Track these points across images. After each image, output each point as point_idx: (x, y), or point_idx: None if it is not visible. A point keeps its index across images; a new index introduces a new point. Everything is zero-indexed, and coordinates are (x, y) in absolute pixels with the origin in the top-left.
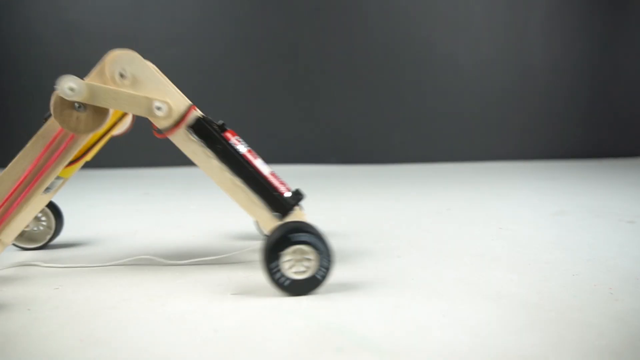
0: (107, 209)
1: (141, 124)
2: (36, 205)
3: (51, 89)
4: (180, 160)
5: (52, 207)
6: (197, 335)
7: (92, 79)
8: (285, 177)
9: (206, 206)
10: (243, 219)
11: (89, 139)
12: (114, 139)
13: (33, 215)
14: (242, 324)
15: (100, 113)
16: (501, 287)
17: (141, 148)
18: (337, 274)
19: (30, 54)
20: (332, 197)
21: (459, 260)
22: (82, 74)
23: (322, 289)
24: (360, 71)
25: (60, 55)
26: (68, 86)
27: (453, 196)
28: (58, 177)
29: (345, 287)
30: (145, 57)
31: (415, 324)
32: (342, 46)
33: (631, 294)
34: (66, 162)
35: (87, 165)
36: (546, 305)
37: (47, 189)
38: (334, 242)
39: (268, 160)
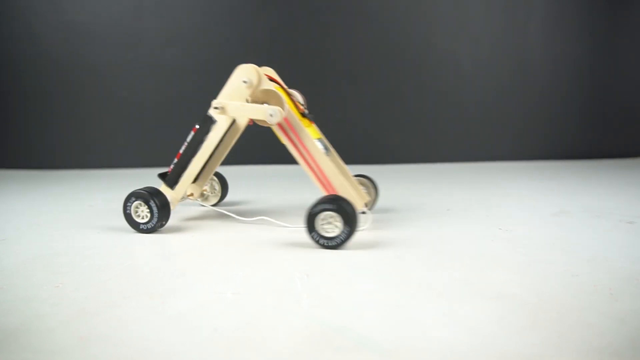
0: (107, 209)
1: (142, 126)
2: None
3: (50, 89)
4: None
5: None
6: (197, 334)
7: None
8: (285, 177)
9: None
10: (244, 216)
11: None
12: (116, 139)
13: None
14: (242, 323)
15: None
16: (501, 287)
17: (141, 148)
18: (337, 274)
19: (30, 54)
20: None
21: (459, 260)
22: (82, 73)
23: (322, 288)
24: (360, 71)
25: (61, 55)
26: None
27: (453, 196)
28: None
29: (345, 286)
30: (146, 57)
31: (415, 324)
32: (342, 46)
33: (631, 294)
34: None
35: (88, 166)
36: (546, 306)
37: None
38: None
39: (268, 160)
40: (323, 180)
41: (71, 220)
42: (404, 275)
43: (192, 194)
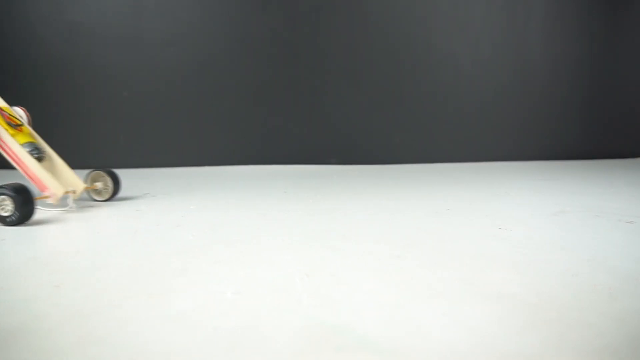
0: (106, 209)
1: (142, 126)
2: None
3: (52, 89)
4: (180, 160)
5: None
6: (197, 334)
7: None
8: (285, 177)
9: (206, 205)
10: (244, 216)
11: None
12: (117, 139)
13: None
14: (242, 323)
15: None
16: (501, 287)
17: (141, 148)
18: (337, 274)
19: (30, 54)
20: (332, 197)
21: (459, 260)
22: (82, 73)
23: (322, 288)
24: (360, 71)
25: (61, 55)
26: None
27: (453, 196)
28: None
29: (345, 286)
30: (146, 57)
31: (415, 324)
32: (342, 46)
33: (631, 294)
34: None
35: (88, 166)
36: (546, 305)
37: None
38: (334, 243)
39: (267, 160)
40: (29, 173)
41: (70, 220)
42: (404, 275)
43: None
